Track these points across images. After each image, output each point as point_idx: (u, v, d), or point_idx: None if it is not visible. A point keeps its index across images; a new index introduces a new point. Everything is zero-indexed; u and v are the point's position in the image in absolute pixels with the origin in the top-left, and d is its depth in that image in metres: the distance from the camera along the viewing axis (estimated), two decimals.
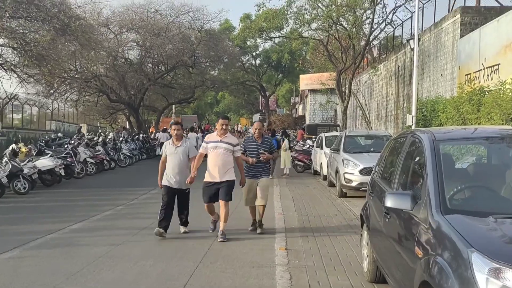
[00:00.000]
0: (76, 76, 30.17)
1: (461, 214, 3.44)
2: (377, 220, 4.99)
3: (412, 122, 16.21)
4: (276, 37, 27.61)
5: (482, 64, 16.34)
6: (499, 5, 19.31)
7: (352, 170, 13.23)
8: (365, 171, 12.98)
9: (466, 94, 13.88)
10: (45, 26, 17.59)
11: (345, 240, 8.31)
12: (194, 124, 43.65)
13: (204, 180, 8.43)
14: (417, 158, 4.43)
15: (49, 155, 16.34)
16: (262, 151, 8.79)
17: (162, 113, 45.52)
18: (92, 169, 20.16)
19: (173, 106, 50.14)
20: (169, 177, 8.61)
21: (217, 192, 8.34)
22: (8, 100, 22.84)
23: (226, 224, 8.39)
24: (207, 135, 9.14)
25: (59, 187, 16.26)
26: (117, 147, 24.52)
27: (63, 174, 16.87)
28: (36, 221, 10.44)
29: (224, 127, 8.39)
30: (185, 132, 29.85)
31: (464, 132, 5.03)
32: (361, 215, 6.08)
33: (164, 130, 30.62)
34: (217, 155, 8.27)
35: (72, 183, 17.47)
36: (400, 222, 4.10)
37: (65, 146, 20.26)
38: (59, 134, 32.38)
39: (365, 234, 5.73)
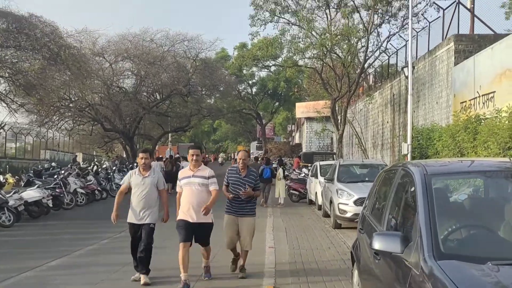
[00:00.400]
0: (70, 105, 30.00)
1: (457, 259, 3.07)
2: (367, 260, 4.60)
3: (407, 150, 15.90)
4: (272, 65, 27.57)
5: (477, 92, 16.12)
6: (492, 32, 19.28)
7: (347, 201, 12.85)
8: (359, 202, 12.57)
9: (462, 122, 13.63)
10: (34, 55, 17.40)
11: (338, 277, 7.88)
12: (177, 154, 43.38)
13: (178, 218, 7.40)
14: (408, 194, 4.08)
15: (36, 186, 15.92)
16: (245, 189, 7.70)
17: (158, 141, 45.28)
18: (83, 199, 19.73)
19: (169, 134, 49.94)
20: (135, 213, 7.66)
21: (194, 231, 7.32)
22: None
23: (209, 261, 7.87)
24: (179, 172, 7.94)
25: (47, 219, 15.79)
26: (109, 176, 24.11)
27: (51, 205, 16.43)
28: (16, 257, 9.99)
29: (195, 157, 7.31)
30: (179, 161, 29.67)
31: (459, 165, 4.67)
32: (351, 253, 5.69)
33: (159, 159, 30.17)
34: (191, 192, 7.27)
35: (60, 215, 17.01)
36: (391, 265, 3.72)
37: (55, 176, 19.85)
38: (53, 164, 31.98)
39: (355, 274, 5.33)
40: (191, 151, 7.38)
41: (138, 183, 7.67)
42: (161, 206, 7.84)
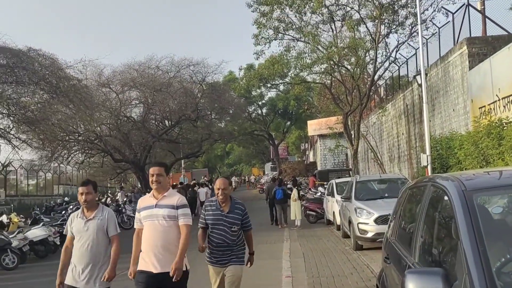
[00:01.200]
0: (79, 138, 29.65)
1: None
2: None
3: (427, 161, 15.03)
4: (279, 83, 26.92)
5: (497, 95, 15.26)
6: (506, 33, 18.50)
7: (367, 220, 11.99)
8: (380, 220, 11.75)
9: (483, 127, 12.78)
10: (34, 89, 16.99)
11: None
12: (203, 177, 42.80)
13: (138, 268, 5.23)
14: (443, 215, 3.31)
15: (41, 224, 15.30)
16: (231, 230, 5.76)
17: (170, 169, 44.68)
18: None
19: (182, 161, 49.44)
20: (75, 273, 5.42)
21: (160, 286, 5.11)
22: (2, 167, 22.16)
23: None
24: (139, 200, 5.67)
25: (53, 258, 15.07)
26: (120, 208, 23.49)
27: (58, 243, 15.77)
28: None
29: (155, 178, 5.21)
30: (195, 187, 29.12)
31: (507, 176, 3.85)
32: (376, 286, 4.88)
33: (173, 186, 29.69)
34: (154, 229, 5.15)
35: None
36: None
37: (63, 212, 19.28)
38: (66, 198, 31.61)
39: None
40: (150, 171, 5.30)
41: (80, 229, 5.47)
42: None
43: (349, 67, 22.71)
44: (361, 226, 12.02)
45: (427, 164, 15.02)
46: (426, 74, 17.74)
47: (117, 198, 27.65)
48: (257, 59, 23.06)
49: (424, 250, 3.41)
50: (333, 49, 21.24)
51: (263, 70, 23.85)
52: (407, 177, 14.95)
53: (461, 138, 14.02)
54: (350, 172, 32.18)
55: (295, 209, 19.09)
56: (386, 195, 13.25)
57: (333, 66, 22.52)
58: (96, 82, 32.05)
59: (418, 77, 17.22)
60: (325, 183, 27.59)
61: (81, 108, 20.30)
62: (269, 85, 50.21)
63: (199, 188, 28.25)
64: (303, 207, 20.89)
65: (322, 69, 23.91)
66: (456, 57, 18.90)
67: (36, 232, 14.70)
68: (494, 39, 18.21)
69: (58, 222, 17.06)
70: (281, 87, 51.56)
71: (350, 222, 12.78)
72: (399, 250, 3.99)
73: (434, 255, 3.21)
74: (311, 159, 59.97)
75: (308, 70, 22.86)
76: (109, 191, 43.80)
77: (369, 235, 11.86)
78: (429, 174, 15.02)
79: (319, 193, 22.91)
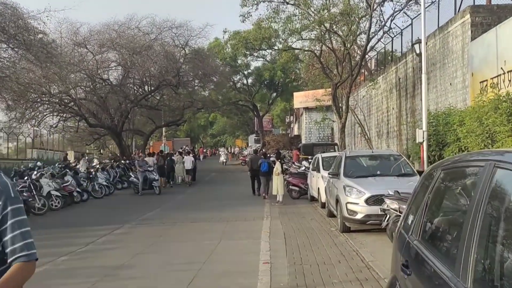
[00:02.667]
0: (51, 99, 27.85)
1: None
2: None
3: (423, 138, 13.80)
4: (266, 50, 25.20)
5: (502, 68, 14.00)
6: None
7: (356, 199, 10.76)
8: (372, 200, 10.55)
9: (489, 102, 11.52)
10: None
11: None
12: (184, 147, 41.35)
13: None
14: None
15: None
16: None
17: (149, 137, 43.16)
18: (58, 203, 17.61)
19: (163, 129, 47.82)
20: None
21: None
22: None
23: None
24: None
25: None
26: (91, 176, 22.00)
27: None
28: None
29: None
30: (180, 154, 27.61)
31: None
32: None
33: (150, 154, 28.36)
34: None
35: None
36: None
37: (25, 178, 17.74)
38: (38, 163, 29.89)
39: None
40: None
41: None
42: None
43: (341, 33, 21.12)
44: (350, 206, 10.79)
45: (423, 140, 13.80)
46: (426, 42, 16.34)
47: (78, 165, 25.69)
48: (243, 22, 21.42)
49: (487, 270, 2.08)
50: (325, 13, 19.65)
51: (248, 35, 22.19)
52: (400, 153, 13.68)
53: (461, 114, 12.75)
54: (336, 146, 30.98)
55: (277, 184, 17.80)
56: (378, 172, 12.03)
57: (324, 33, 20.98)
58: (72, 41, 30.10)
59: (416, 46, 15.83)
60: (309, 157, 26.40)
61: (48, 66, 18.48)
62: (255, 54, 48.76)
63: (183, 156, 27.15)
64: (285, 182, 19.68)
65: (312, 36, 22.36)
66: (457, 27, 17.55)
67: None
68: (500, 8, 16.85)
69: (18, 189, 15.53)
70: (268, 57, 49.88)
71: (337, 201, 11.54)
72: (429, 260, 2.66)
73: (504, 274, 1.88)
74: (295, 132, 58.79)
75: (297, 35, 21.30)
76: (86, 158, 42.05)
77: (359, 216, 10.65)
78: (425, 151, 13.83)
79: (303, 168, 21.68)
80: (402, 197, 9.09)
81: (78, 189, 19.66)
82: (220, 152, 56.98)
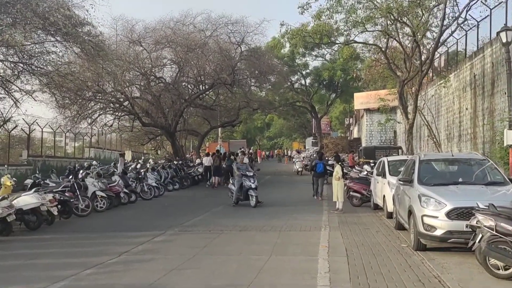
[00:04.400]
0: (103, 98, 27.39)
1: None
2: None
3: None
4: (325, 44, 23.31)
5: None
6: None
7: (435, 212, 8.91)
8: (455, 214, 8.71)
9: None
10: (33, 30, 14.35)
11: None
12: (241, 148, 40.26)
13: None
14: None
15: (33, 190, 12.91)
16: None
17: (204, 137, 42.32)
18: (103, 204, 16.71)
19: (219, 130, 46.95)
20: None
21: None
22: (3, 123, 19.95)
23: None
24: None
25: (47, 231, 12.79)
26: (140, 176, 21.11)
27: (55, 213, 13.45)
28: None
29: None
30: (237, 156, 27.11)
31: None
32: None
33: (208, 154, 28.60)
34: None
35: (67, 224, 14.03)
36: None
37: (70, 177, 16.96)
38: (93, 162, 29.57)
39: None
40: None
41: None
42: None
43: (409, 24, 18.98)
44: (427, 220, 8.96)
45: None
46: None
47: (148, 164, 25.17)
48: (302, 13, 19.75)
49: None
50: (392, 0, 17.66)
51: (307, 27, 20.53)
52: (488, 158, 11.61)
53: None
54: (400, 150, 28.77)
55: (337, 189, 16.05)
56: (460, 180, 10.08)
57: (392, 22, 18.98)
58: (127, 38, 29.60)
59: (502, 34, 13.67)
60: (371, 161, 24.43)
61: (97, 61, 17.66)
62: (314, 53, 46.95)
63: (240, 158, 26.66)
64: (345, 187, 17.90)
65: (378, 29, 20.42)
66: None
67: (27, 199, 12.37)
68: None
69: (60, 189, 14.73)
70: (328, 56, 47.94)
71: (410, 212, 9.73)
72: None
73: None
74: (355, 135, 56.52)
75: (361, 27, 19.43)
76: (143, 158, 41.76)
77: (438, 232, 8.80)
78: None
79: (365, 172, 19.83)
80: (499, 212, 7.23)
81: (125, 190, 18.76)
82: (293, 158, 46.69)
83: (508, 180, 9.89)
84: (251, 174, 17.79)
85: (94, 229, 13.25)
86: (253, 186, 17.34)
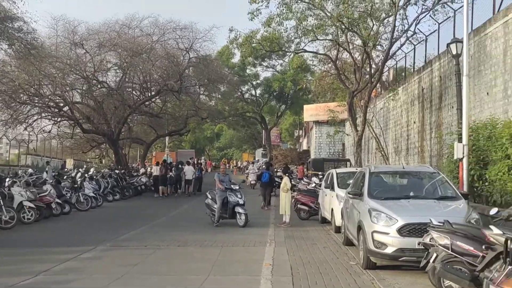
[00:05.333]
0: (40, 101, 25.72)
1: None
2: None
3: (463, 153, 11.38)
4: (275, 52, 22.65)
5: None
6: None
7: (386, 228, 8.33)
8: (407, 230, 8.14)
9: None
10: None
11: None
12: (191, 158, 39.16)
13: None
14: None
15: None
16: None
17: (150, 146, 40.91)
18: (31, 215, 15.29)
19: (166, 139, 45.64)
20: None
21: None
22: None
23: None
24: None
25: None
26: (76, 185, 19.71)
27: None
28: None
29: None
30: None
31: None
32: None
33: (157, 164, 27.98)
34: None
35: None
36: None
37: None
38: (29, 170, 27.67)
39: None
40: None
41: None
42: None
43: (363, 32, 18.67)
44: (378, 237, 8.36)
45: (463, 156, 11.37)
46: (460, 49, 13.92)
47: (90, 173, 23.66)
48: (251, 20, 19.11)
49: None
50: (343, 8, 17.27)
51: (256, 34, 19.92)
52: (439, 171, 11.20)
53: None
54: (348, 162, 28.58)
55: (285, 202, 15.37)
56: (411, 194, 9.58)
57: (342, 31, 18.64)
58: (68, 40, 28.06)
59: (453, 46, 13.47)
60: (319, 173, 24.02)
61: (31, 60, 16.26)
62: (264, 63, 46.64)
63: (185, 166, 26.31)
64: (293, 200, 17.28)
65: (328, 38, 20.07)
66: (497, 28, 15.16)
67: None
68: None
69: None
70: (278, 67, 47.78)
71: (360, 228, 9.13)
72: None
73: None
74: (304, 147, 56.47)
75: (311, 35, 18.97)
76: (85, 166, 39.87)
77: (389, 250, 8.22)
78: (465, 169, 11.40)
79: (313, 184, 19.29)
80: (455, 230, 6.68)
81: (58, 200, 17.34)
82: (248, 170, 38.65)
83: (459, 194, 9.47)
84: (237, 187, 15.15)
85: (16, 243, 11.96)
86: (240, 202, 14.68)
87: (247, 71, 48.95)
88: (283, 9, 18.19)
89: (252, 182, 31.93)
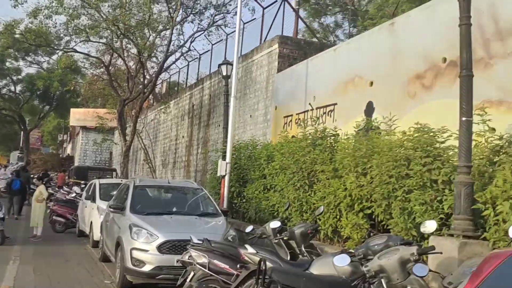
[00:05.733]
0: None
1: None
2: None
3: (226, 171, 11.84)
4: (41, 47, 20.45)
5: (310, 104, 13.11)
6: (317, 40, 16.94)
7: (146, 245, 7.98)
8: (167, 247, 7.93)
9: (305, 137, 10.12)
10: None
11: None
12: None
13: None
14: None
15: None
16: None
17: None
18: None
19: None
20: None
21: None
22: None
23: None
24: None
25: None
26: None
27: None
28: None
29: None
30: None
31: None
32: None
33: None
34: None
35: None
36: None
37: None
38: None
39: None
40: None
41: None
42: None
43: (139, 40, 18.23)
44: (136, 254, 7.95)
45: (225, 174, 11.83)
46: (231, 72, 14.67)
47: None
48: (14, 7, 16.91)
49: None
50: (121, 11, 16.60)
51: (19, 24, 17.78)
52: (201, 186, 11.40)
53: (276, 148, 11.12)
54: (114, 172, 27.64)
55: (37, 213, 13.78)
56: (174, 209, 9.46)
57: (117, 36, 17.92)
58: None
59: (223, 67, 14.07)
60: (82, 182, 22.59)
61: None
62: (29, 58, 42.36)
63: None
64: (49, 210, 15.72)
65: (102, 41, 19.10)
66: (263, 56, 16.49)
67: None
68: (307, 43, 16.42)
69: None
70: (45, 65, 43.92)
71: (118, 244, 8.59)
72: None
73: None
74: (68, 152, 53.00)
75: (84, 35, 17.74)
76: None
77: (147, 268, 7.87)
78: (226, 186, 11.87)
79: (73, 194, 17.92)
80: (213, 249, 6.69)
81: None
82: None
83: (220, 211, 9.73)
84: None
85: None
86: (0, 215, 12.21)
87: (7, 63, 43.80)
88: (53, 2, 16.59)
89: (2, 190, 27.99)
